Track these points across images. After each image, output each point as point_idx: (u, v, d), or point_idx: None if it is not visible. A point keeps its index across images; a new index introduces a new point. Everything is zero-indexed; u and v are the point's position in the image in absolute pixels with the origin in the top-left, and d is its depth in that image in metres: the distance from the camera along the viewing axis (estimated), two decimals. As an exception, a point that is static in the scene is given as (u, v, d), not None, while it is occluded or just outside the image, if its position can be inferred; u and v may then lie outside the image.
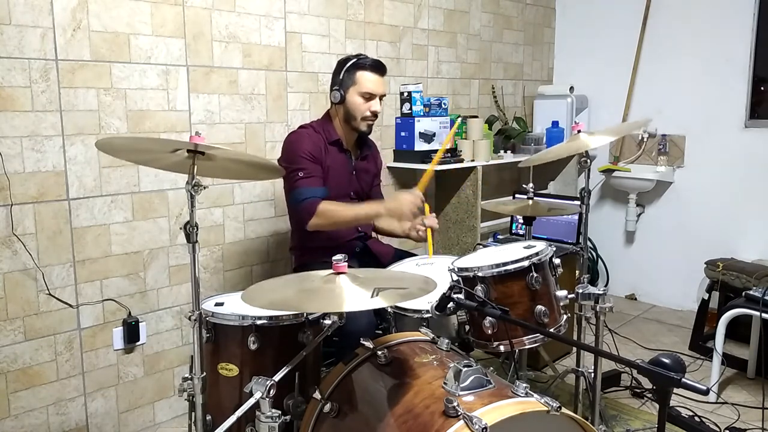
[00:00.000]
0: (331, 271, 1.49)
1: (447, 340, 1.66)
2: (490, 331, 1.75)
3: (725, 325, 2.69)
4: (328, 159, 2.34)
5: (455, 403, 1.29)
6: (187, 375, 1.72)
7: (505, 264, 1.79)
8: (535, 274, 1.78)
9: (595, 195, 4.30)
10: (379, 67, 2.35)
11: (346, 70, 2.32)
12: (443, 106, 3.30)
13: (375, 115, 2.36)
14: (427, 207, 2.37)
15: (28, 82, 2.12)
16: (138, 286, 2.46)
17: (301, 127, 2.40)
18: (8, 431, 2.18)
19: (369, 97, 2.32)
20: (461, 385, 1.37)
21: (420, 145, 3.20)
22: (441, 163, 3.18)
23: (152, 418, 2.57)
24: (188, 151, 1.58)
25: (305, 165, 2.26)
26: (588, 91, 4.20)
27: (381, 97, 2.36)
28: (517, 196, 3.26)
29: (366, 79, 2.31)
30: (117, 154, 1.81)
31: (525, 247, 1.94)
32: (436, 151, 3.22)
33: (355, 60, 2.33)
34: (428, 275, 1.60)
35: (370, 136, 2.55)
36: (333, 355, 2.09)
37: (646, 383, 2.83)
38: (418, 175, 3.47)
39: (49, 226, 2.21)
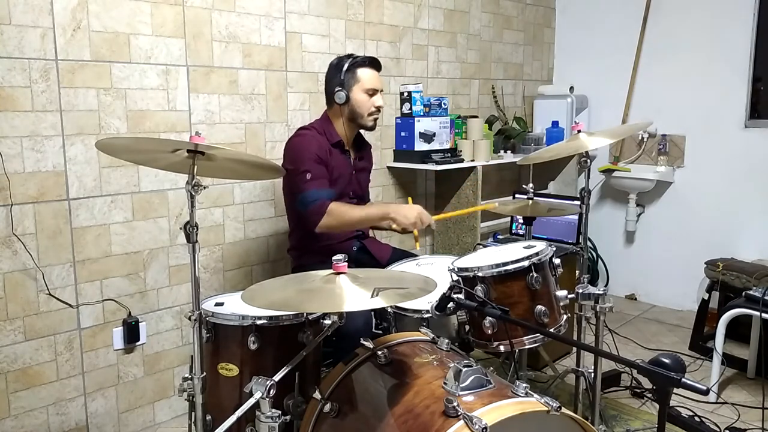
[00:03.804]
0: (331, 271, 1.49)
1: (447, 340, 1.66)
2: (490, 331, 1.75)
3: (725, 325, 2.69)
4: (332, 160, 2.36)
5: (455, 403, 1.29)
6: (187, 375, 1.72)
7: (505, 264, 1.79)
8: (535, 274, 1.78)
9: (595, 195, 4.30)
10: (376, 63, 2.41)
11: (346, 70, 2.34)
12: (443, 106, 3.30)
13: (379, 109, 2.41)
14: (410, 199, 2.45)
15: (28, 82, 2.12)
16: (138, 286, 2.46)
17: (302, 128, 2.41)
18: (8, 431, 2.18)
19: (372, 93, 2.37)
20: (461, 385, 1.37)
21: (420, 145, 3.20)
22: (440, 162, 3.19)
23: (152, 418, 2.57)
24: (188, 151, 1.58)
25: (312, 167, 2.27)
26: (588, 91, 4.20)
27: (380, 92, 2.41)
28: (517, 196, 3.26)
29: (368, 76, 2.36)
30: (117, 154, 1.81)
31: (525, 247, 1.95)
32: (436, 151, 3.23)
33: (351, 59, 2.36)
34: (428, 275, 1.60)
35: (366, 135, 2.57)
36: (331, 355, 2.10)
37: (646, 383, 2.83)
38: (418, 176, 3.49)
39: (49, 226, 2.21)
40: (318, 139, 2.34)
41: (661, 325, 3.74)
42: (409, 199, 2.46)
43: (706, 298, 3.28)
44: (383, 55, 3.22)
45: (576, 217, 3.09)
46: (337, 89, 2.35)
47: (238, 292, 1.78)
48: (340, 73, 2.34)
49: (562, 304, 1.89)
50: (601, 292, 2.04)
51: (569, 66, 4.39)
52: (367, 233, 2.58)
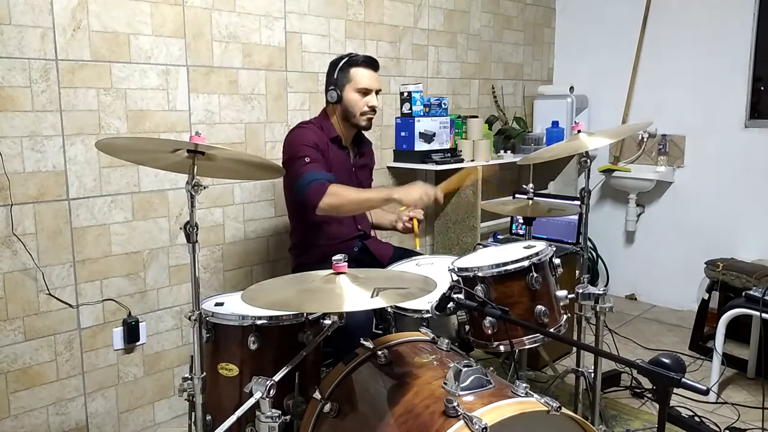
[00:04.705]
0: (331, 271, 1.49)
1: (447, 340, 1.66)
2: (490, 331, 1.75)
3: (725, 325, 2.69)
4: (330, 155, 2.36)
5: (455, 403, 1.29)
6: (187, 375, 1.72)
7: (505, 264, 1.79)
8: (535, 274, 1.78)
9: (595, 195, 4.30)
10: (372, 63, 2.38)
11: (339, 69, 2.34)
12: (443, 106, 3.30)
13: (373, 109, 2.38)
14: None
15: (28, 82, 2.12)
16: (138, 286, 2.46)
17: (301, 123, 2.42)
18: (8, 431, 2.18)
19: (365, 92, 2.35)
20: (461, 385, 1.37)
21: (420, 145, 3.20)
22: (440, 162, 3.19)
23: (152, 418, 2.57)
24: (188, 151, 1.58)
25: (310, 153, 2.27)
26: (588, 91, 4.20)
27: (377, 92, 2.39)
28: (517, 196, 3.26)
29: (361, 75, 2.34)
30: (117, 154, 1.81)
31: (525, 247, 1.94)
32: (436, 151, 3.23)
33: (347, 58, 2.36)
34: (428, 275, 1.60)
35: (366, 133, 2.56)
36: (331, 355, 2.10)
37: (646, 383, 2.82)
38: (418, 176, 3.48)
39: (49, 226, 2.21)
40: (317, 132, 2.34)
41: (661, 325, 3.74)
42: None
43: (706, 298, 3.28)
44: (383, 55, 3.22)
45: (576, 217, 3.09)
46: (330, 88, 2.36)
47: (238, 292, 1.78)
48: (334, 72, 2.35)
49: (562, 304, 1.89)
50: (601, 292, 2.04)
51: (569, 66, 4.39)
52: (369, 233, 2.58)
